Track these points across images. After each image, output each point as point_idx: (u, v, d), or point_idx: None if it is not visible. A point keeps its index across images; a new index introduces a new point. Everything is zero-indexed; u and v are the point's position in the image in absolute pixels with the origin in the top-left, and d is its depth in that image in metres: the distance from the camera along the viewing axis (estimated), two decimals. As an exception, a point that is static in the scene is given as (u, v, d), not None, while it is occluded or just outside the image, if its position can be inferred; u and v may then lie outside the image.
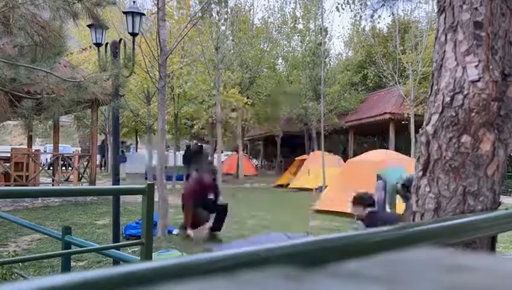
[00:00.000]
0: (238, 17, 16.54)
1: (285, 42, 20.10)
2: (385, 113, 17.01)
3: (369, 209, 4.57)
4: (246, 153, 26.23)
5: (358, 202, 4.66)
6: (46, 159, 14.99)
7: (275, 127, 20.31)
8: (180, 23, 11.66)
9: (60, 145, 13.66)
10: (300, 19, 19.59)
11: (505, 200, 1.86)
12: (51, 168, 13.10)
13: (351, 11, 10.21)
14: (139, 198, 2.28)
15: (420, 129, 1.48)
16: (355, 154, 16.45)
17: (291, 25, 19.51)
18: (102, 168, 21.53)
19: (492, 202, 1.37)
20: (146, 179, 15.23)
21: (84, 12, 5.08)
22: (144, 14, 7.01)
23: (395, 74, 15.69)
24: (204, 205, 6.86)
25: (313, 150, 17.52)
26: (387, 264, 0.38)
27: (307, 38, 19.38)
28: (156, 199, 3.42)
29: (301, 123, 20.32)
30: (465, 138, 1.34)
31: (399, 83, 15.93)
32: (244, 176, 18.66)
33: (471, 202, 1.35)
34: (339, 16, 42.73)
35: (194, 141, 23.93)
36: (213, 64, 13.35)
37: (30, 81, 5.23)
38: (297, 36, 19.96)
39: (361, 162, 10.60)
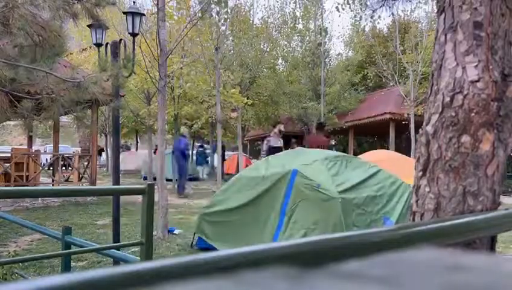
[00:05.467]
0: (238, 17, 16.51)
1: (285, 42, 20.07)
2: (385, 113, 17.00)
3: None
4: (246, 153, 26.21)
5: None
6: (46, 159, 14.98)
7: (274, 127, 20.27)
8: (180, 23, 11.65)
9: (60, 145, 13.66)
10: (300, 19, 19.56)
11: (505, 200, 1.86)
12: (51, 168, 13.10)
13: (351, 11, 10.22)
14: (139, 198, 2.28)
15: (420, 129, 1.48)
16: (355, 154, 16.44)
17: (291, 25, 19.47)
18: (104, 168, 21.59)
19: (492, 202, 1.37)
20: (145, 179, 15.23)
21: (84, 12, 5.08)
22: (143, 15, 7.01)
23: (395, 74, 15.68)
24: None
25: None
26: (387, 264, 0.38)
27: (307, 38, 19.35)
28: (155, 199, 3.42)
29: (301, 123, 20.31)
30: (465, 138, 1.34)
31: (399, 83, 15.92)
32: None
33: (471, 202, 1.35)
34: (339, 16, 42.62)
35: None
36: (213, 64, 13.34)
37: (30, 81, 5.22)
38: (297, 36, 19.93)
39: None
